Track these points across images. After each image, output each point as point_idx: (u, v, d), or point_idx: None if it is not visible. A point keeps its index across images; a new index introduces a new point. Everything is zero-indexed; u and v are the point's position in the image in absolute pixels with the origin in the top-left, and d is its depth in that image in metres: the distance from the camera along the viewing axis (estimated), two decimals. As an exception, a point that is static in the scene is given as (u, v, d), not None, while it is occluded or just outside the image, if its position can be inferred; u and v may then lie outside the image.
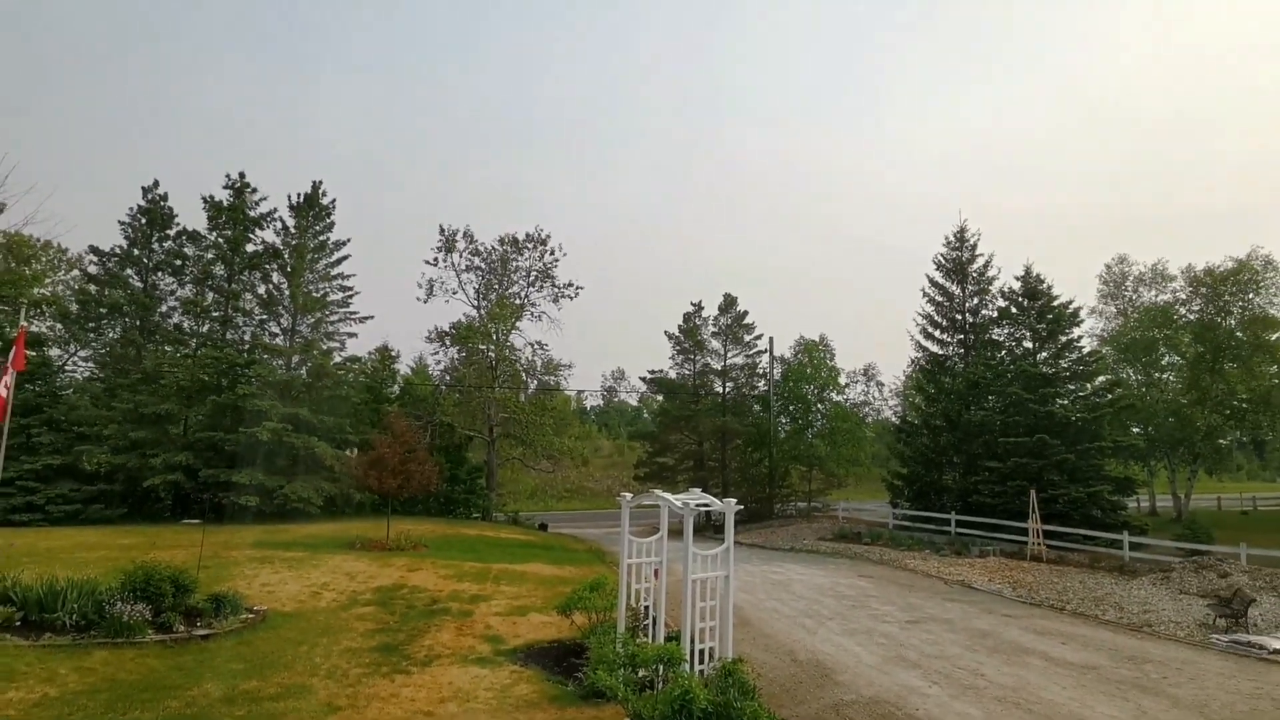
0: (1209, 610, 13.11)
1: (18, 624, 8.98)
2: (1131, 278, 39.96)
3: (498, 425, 34.05)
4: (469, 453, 34.92)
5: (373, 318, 33.71)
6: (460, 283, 35.94)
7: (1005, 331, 29.57)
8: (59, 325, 31.12)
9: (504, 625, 11.16)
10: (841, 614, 13.43)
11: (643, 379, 40.60)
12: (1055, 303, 27.50)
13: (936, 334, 31.72)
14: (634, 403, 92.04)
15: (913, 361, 34.31)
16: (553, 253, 36.11)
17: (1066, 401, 26.65)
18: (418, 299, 35.84)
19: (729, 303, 38.39)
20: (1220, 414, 35.22)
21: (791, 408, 38.79)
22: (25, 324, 19.03)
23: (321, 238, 31.32)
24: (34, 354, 25.63)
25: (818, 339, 41.08)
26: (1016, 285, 28.64)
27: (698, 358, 38.58)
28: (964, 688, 8.80)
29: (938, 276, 31.74)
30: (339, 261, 31.64)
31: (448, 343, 35.26)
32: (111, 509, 25.76)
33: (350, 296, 31.90)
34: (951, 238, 31.65)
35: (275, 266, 30.90)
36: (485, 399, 33.49)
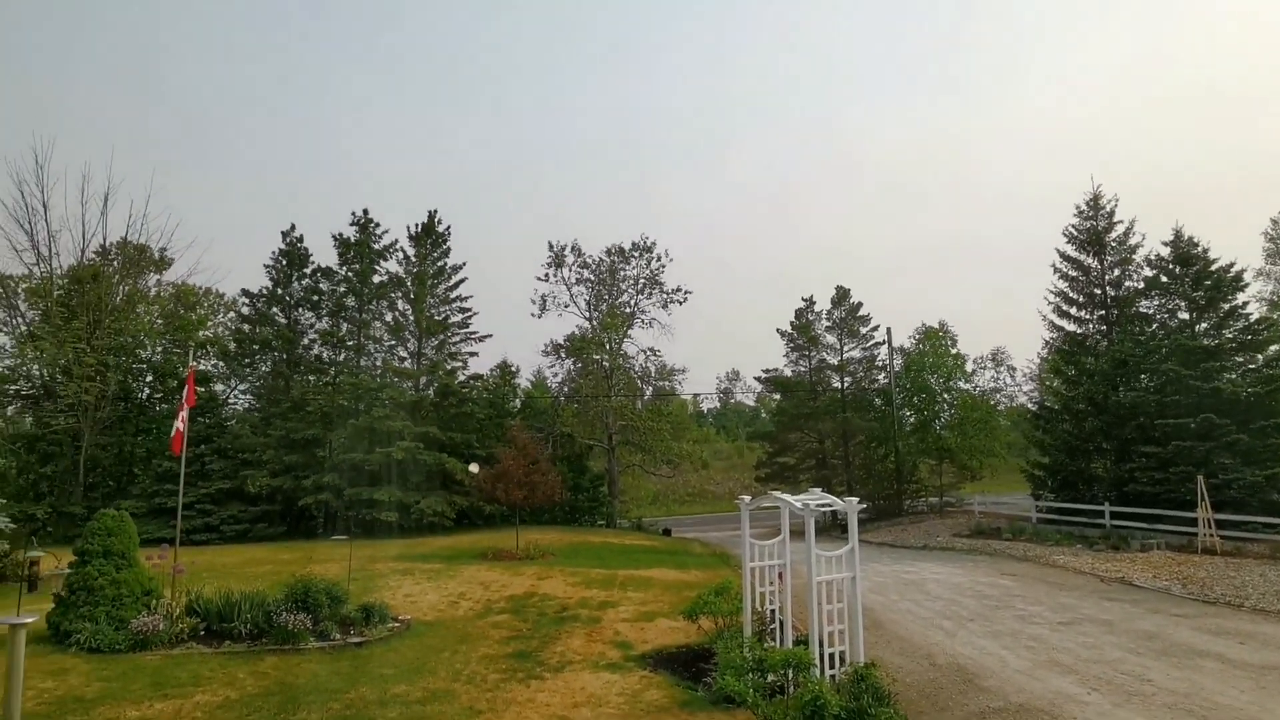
0: None
1: (202, 633, 10.12)
2: (1303, 232, 35.56)
3: (616, 433, 34.62)
4: (590, 461, 35.69)
5: (491, 336, 35.21)
6: (571, 295, 36.91)
7: (1155, 303, 27.03)
8: (220, 363, 34.45)
9: (632, 631, 11.29)
10: (983, 615, 12.67)
11: (758, 379, 40.17)
12: (1213, 267, 24.87)
13: (1073, 311, 29.47)
14: (751, 403, 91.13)
15: (1047, 343, 31.96)
16: (659, 259, 36.45)
17: (1235, 376, 23.99)
18: (532, 314, 37.13)
19: (841, 295, 37.31)
20: None
21: (916, 399, 37.09)
22: (194, 364, 21.14)
23: (439, 263, 33.03)
24: (202, 390, 28.52)
25: (938, 325, 39.16)
26: (1165, 251, 26.14)
27: (813, 353, 37.71)
28: (1128, 694, 8.08)
29: (1070, 250, 29.51)
30: (456, 285, 33.25)
31: (563, 355, 36.25)
32: (273, 527, 28.26)
33: (469, 317, 33.45)
34: (1084, 206, 29.35)
35: (400, 294, 32.88)
36: (602, 407, 34.16)
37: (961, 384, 38.05)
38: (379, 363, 33.17)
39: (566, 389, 37.05)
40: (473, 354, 33.77)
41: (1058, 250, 29.68)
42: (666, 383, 37.26)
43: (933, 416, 36.64)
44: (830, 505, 7.94)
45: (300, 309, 33.07)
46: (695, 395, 73.78)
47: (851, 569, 7.34)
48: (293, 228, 33.11)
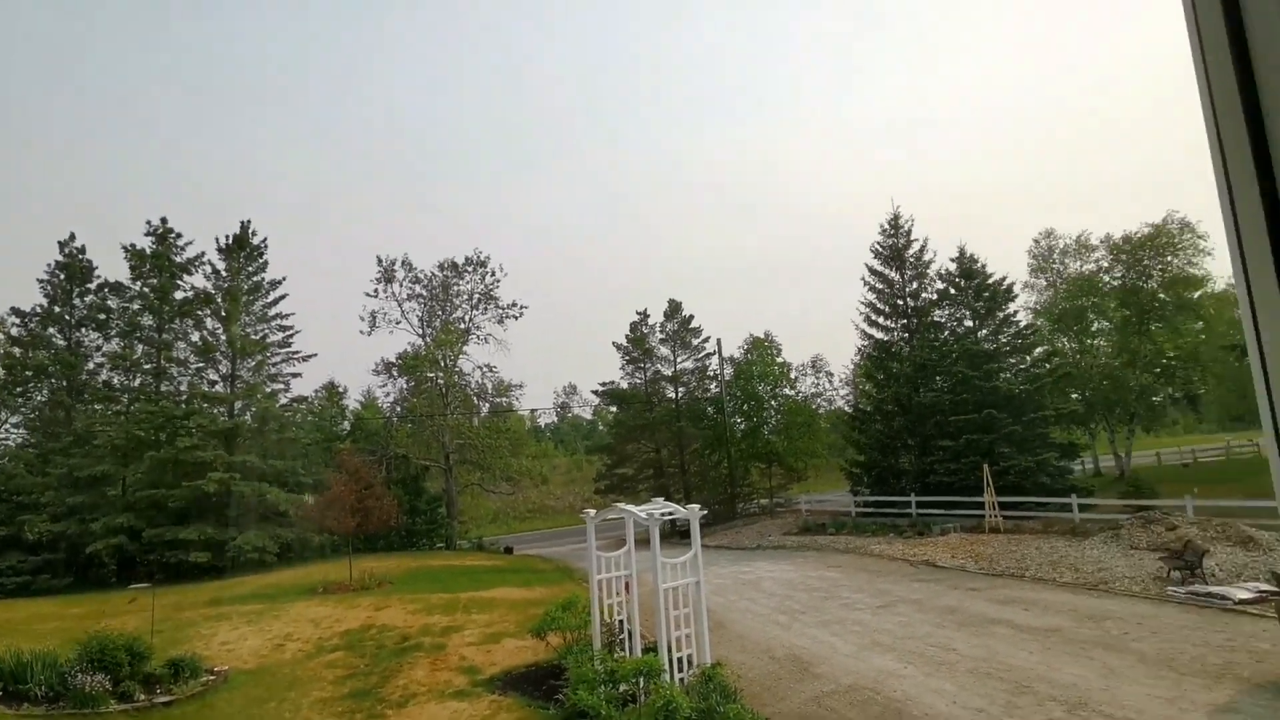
0: (1162, 564, 13.66)
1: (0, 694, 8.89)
2: (1057, 250, 41.57)
3: (453, 452, 33.57)
4: (426, 482, 34.33)
5: (316, 355, 32.75)
6: (403, 312, 35.43)
7: (946, 312, 30.40)
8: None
9: (479, 655, 10.97)
10: (814, 606, 13.57)
11: (595, 392, 40.50)
12: (990, 280, 28.43)
13: (880, 320, 32.43)
14: (589, 416, 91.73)
15: (859, 350, 34.97)
16: (493, 274, 35.92)
17: (1009, 375, 27.52)
18: (361, 332, 35.26)
19: (674, 308, 38.66)
20: (1151, 373, 36.83)
21: (745, 406, 39.15)
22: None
23: (255, 278, 30.48)
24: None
25: (764, 336, 41.63)
26: (952, 266, 29.52)
27: (648, 366, 38.70)
28: (937, 664, 8.98)
29: (877, 264, 32.48)
30: (275, 301, 30.84)
31: (395, 373, 34.68)
32: (58, 578, 24.57)
33: (291, 336, 31.12)
34: (887, 225, 32.45)
35: (208, 312, 29.96)
36: (438, 426, 33.00)
37: (786, 390, 40.66)
38: (184, 387, 29.97)
39: (400, 409, 35.45)
40: (295, 375, 31.43)
41: (867, 265, 32.58)
42: (504, 399, 36.70)
43: (761, 422, 38.82)
44: (673, 514, 8.18)
45: (84, 329, 29.18)
46: (533, 410, 73.13)
47: (696, 574, 7.60)
48: (72, 237, 29.25)
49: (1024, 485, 23.99)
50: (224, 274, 30.17)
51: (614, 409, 42.72)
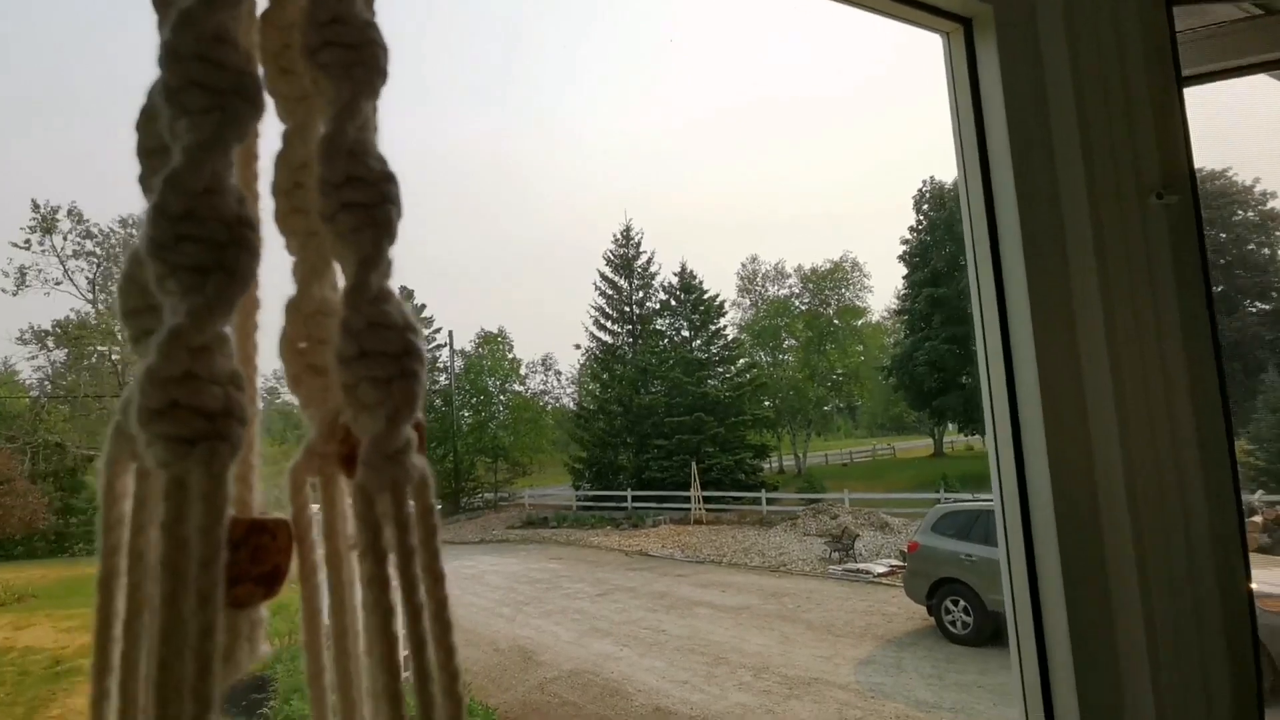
0: (825, 547, 16.28)
1: None
2: (760, 275, 47.35)
3: (128, 441, 28.59)
4: (89, 475, 28.82)
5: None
6: (67, 271, 29.34)
7: (667, 322, 33.06)
8: None
9: (159, 674, 9.60)
10: (537, 597, 13.97)
11: (312, 376, 37.21)
12: (706, 296, 31.49)
13: (609, 325, 34.24)
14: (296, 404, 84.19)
15: (587, 351, 36.55)
16: (190, 236, 31.28)
17: (717, 382, 30.73)
18: (2, 290, 28.44)
19: (405, 296, 37.03)
20: (825, 386, 43.57)
21: (474, 400, 38.86)
22: None
23: None
24: None
25: (497, 331, 41.68)
26: (675, 280, 32.18)
27: (374, 354, 36.66)
28: (649, 645, 9.82)
29: (608, 271, 34.26)
30: None
31: (50, 344, 28.62)
32: None
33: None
34: (619, 236, 34.39)
35: None
36: (107, 409, 27.91)
37: (516, 387, 41.09)
38: None
39: (54, 387, 29.36)
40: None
41: (599, 271, 34.22)
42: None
43: (489, 417, 38.77)
44: (408, 508, 7.94)
45: None
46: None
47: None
48: None
49: (724, 481, 26.93)
50: None
51: (330, 396, 39.71)
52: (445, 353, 37.99)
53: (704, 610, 11.75)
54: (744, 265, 47.87)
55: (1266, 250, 25.53)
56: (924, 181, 34.88)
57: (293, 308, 0.42)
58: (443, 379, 38.19)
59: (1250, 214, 25.10)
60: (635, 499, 27.56)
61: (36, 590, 16.00)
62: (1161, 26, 1.27)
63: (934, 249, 32.65)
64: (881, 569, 13.84)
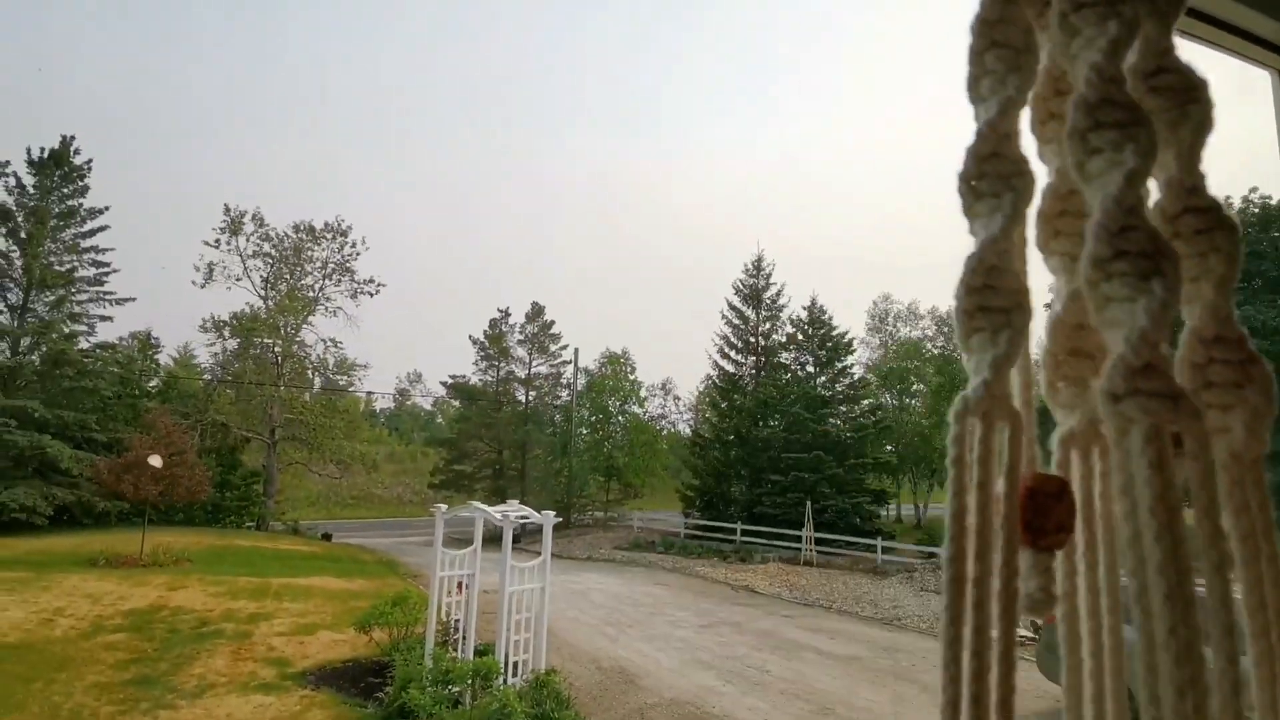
0: (945, 606, 15.26)
1: None
2: (891, 314, 45.62)
3: (281, 426, 31.24)
4: (245, 456, 31.70)
5: (134, 300, 29.24)
6: (246, 269, 32.61)
7: (792, 355, 32.43)
8: None
9: (290, 646, 10.29)
10: (640, 621, 13.92)
11: (444, 383, 39.30)
12: (835, 332, 30.67)
13: (733, 354, 34.00)
14: (428, 406, 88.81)
15: (708, 378, 36.42)
16: (354, 245, 34.00)
17: (839, 421, 29.74)
18: (193, 283, 31.95)
19: (536, 311, 38.49)
20: (953, 436, 41.17)
21: (593, 418, 39.59)
22: None
23: (71, 202, 27.02)
24: None
25: (621, 352, 42.35)
26: (803, 314, 31.58)
27: (502, 365, 38.20)
28: (753, 684, 9.52)
29: (736, 301, 34.11)
30: (92, 233, 27.49)
31: (226, 334, 31.82)
32: None
33: (105, 274, 27.83)
34: (750, 266, 34.20)
35: (3, 230, 26.11)
36: (268, 397, 30.63)
37: (635, 408, 41.53)
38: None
39: (224, 372, 32.55)
40: (105, 318, 28.06)
41: (727, 300, 34.13)
42: (345, 377, 34.72)
43: (606, 436, 39.35)
44: (527, 517, 8.16)
45: None
46: (369, 394, 69.69)
47: (543, 579, 7.62)
48: None
49: (838, 524, 25.93)
50: (31, 191, 26.48)
51: (457, 403, 41.70)
52: (570, 369, 39.01)
53: (810, 655, 11.28)
54: (875, 304, 46.38)
55: None
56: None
57: (1058, 323, 0.48)
58: (565, 394, 39.20)
59: None
60: (744, 533, 27.02)
61: (192, 555, 17.68)
62: None
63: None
64: (1010, 638, 12.76)
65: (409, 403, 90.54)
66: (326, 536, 28.79)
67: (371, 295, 34.46)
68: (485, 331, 38.11)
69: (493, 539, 8.27)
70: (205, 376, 34.34)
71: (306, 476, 36.72)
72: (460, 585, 8.99)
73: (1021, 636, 9.53)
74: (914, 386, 43.93)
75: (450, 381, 38.48)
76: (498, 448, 36.37)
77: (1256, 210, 26.35)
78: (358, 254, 34.06)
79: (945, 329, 41.12)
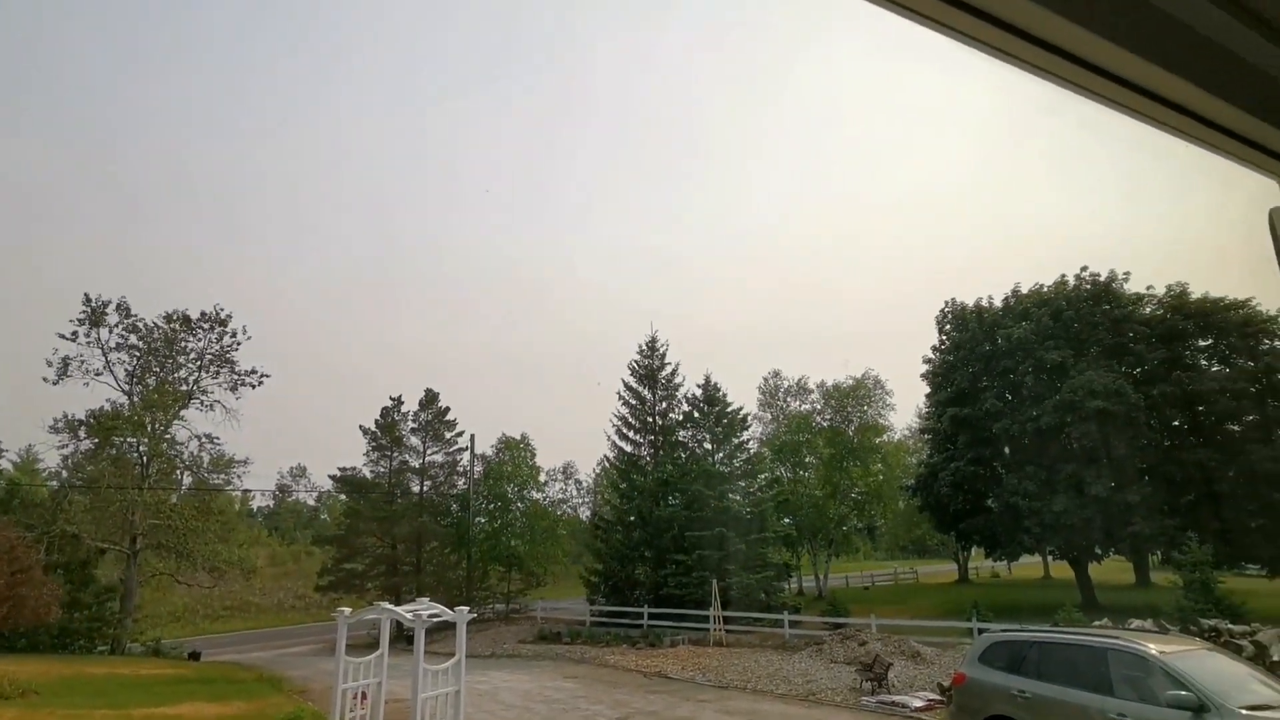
0: (856, 675, 15.48)
1: None
2: (782, 389, 47.43)
3: (144, 534, 28.40)
4: (99, 569, 28.50)
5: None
6: (108, 363, 30.16)
7: (689, 433, 32.92)
8: None
9: (162, 785, 9.14)
10: (552, 719, 13.31)
11: (333, 476, 37.06)
12: (729, 409, 31.49)
13: (630, 435, 34.12)
14: (312, 502, 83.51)
15: (607, 460, 36.25)
16: (234, 335, 32.23)
17: (738, 497, 30.21)
18: (44, 379, 29.15)
19: (430, 398, 37.51)
20: (846, 505, 42.62)
21: (491, 506, 38.39)
22: None
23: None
24: None
25: (520, 437, 41.65)
26: (698, 392, 32.31)
27: (395, 454, 36.67)
28: (677, 777, 9.24)
29: (632, 381, 34.50)
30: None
31: (82, 434, 29.04)
32: None
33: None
34: (645, 346, 34.86)
35: None
36: (129, 501, 27.89)
37: (534, 494, 40.63)
38: None
39: (78, 477, 29.50)
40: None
41: (623, 381, 34.48)
42: (222, 474, 32.25)
43: (506, 524, 38.17)
44: (439, 615, 7.78)
45: None
46: (246, 491, 64.85)
47: (457, 682, 7.23)
48: None
49: (744, 600, 25.99)
50: None
51: (345, 497, 39.48)
52: (466, 456, 37.94)
53: (732, 740, 11.11)
54: (765, 379, 48.15)
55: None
56: (946, 302, 35.39)
57: None
58: (461, 483, 37.97)
59: None
60: (652, 616, 26.60)
61: (39, 686, 15.52)
62: None
63: (958, 369, 32.71)
64: (919, 702, 13.07)
65: (290, 499, 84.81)
66: (194, 655, 26.01)
67: (254, 387, 32.58)
68: (377, 421, 36.64)
69: (402, 639, 7.81)
70: (52, 483, 31.05)
71: (173, 589, 33.36)
72: (362, 696, 8.37)
73: (929, 699, 9.80)
74: (806, 459, 45.43)
75: (339, 474, 36.42)
76: (391, 542, 34.43)
77: (1088, 286, 29.69)
78: (238, 344, 32.31)
79: (832, 402, 43.13)
